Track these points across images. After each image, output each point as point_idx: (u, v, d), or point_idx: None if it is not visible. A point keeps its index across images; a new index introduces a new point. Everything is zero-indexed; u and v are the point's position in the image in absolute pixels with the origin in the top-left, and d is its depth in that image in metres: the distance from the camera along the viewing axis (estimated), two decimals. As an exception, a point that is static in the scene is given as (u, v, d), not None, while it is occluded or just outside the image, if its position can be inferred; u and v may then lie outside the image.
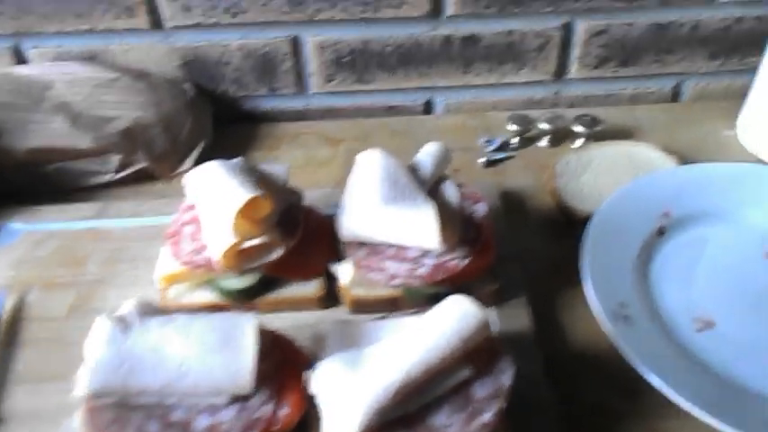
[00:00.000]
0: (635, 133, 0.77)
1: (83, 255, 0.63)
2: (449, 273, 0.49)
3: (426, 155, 0.56)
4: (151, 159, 0.72)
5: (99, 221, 0.66)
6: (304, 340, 0.48)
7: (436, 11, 0.75)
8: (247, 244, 0.49)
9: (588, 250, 0.53)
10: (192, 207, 0.56)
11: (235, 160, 0.56)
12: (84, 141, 0.69)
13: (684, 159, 0.69)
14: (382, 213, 0.50)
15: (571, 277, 0.56)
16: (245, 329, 0.40)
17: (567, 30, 0.76)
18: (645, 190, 0.60)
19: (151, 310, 0.44)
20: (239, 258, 0.50)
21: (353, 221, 0.51)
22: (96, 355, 0.39)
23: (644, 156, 0.69)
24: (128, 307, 0.43)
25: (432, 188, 0.54)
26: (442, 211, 0.49)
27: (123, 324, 0.41)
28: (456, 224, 0.51)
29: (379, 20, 0.75)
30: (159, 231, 0.58)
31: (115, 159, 0.71)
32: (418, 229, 0.48)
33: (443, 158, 0.56)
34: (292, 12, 0.74)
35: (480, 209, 0.53)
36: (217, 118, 0.81)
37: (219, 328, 0.41)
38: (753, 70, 0.79)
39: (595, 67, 0.80)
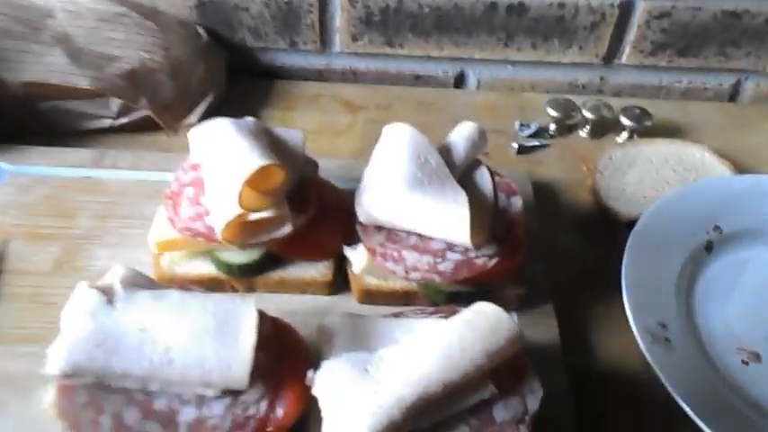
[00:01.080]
0: (686, 132, 0.72)
1: (73, 206, 0.59)
2: (474, 272, 0.46)
3: (460, 136, 0.52)
4: (155, 107, 0.68)
5: (93, 171, 0.63)
6: (305, 328, 0.45)
7: (483, -27, 0.70)
8: (254, 216, 0.46)
9: (629, 261, 0.49)
10: (196, 166, 0.53)
11: (247, 119, 0.52)
12: (83, 80, 0.65)
13: (740, 167, 0.65)
14: (407, 197, 0.46)
15: (606, 287, 0.53)
16: (245, 317, 0.37)
17: (627, 8, 0.71)
18: (695, 198, 0.56)
19: (140, 281, 0.41)
20: (243, 231, 0.47)
21: (374, 202, 0.48)
22: (75, 330, 0.36)
23: (696, 158, 0.64)
24: (115, 275, 0.40)
25: (463, 174, 0.50)
26: (474, 202, 0.45)
27: (108, 296, 0.38)
28: (488, 218, 0.47)
29: (419, -22, 0.70)
30: (158, 189, 0.55)
31: (116, 103, 0.67)
32: (446, 220, 0.45)
33: (479, 142, 0.52)
34: (324, -41, 0.69)
35: (515, 203, 0.49)
36: (230, 69, 0.76)
37: (216, 311, 0.37)
38: (825, 75, 0.74)
39: (650, 54, 0.75)
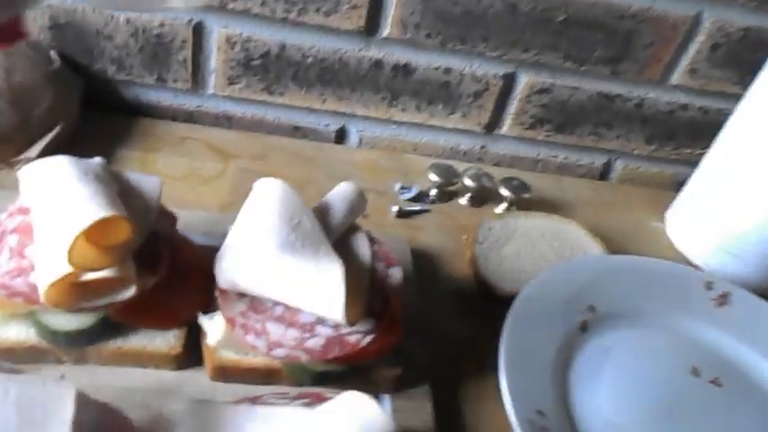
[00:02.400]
0: (562, 206, 0.74)
1: None
2: (346, 350, 0.41)
3: (338, 197, 0.48)
4: (-14, 137, 0.58)
5: None
6: (146, 411, 0.38)
7: (372, 28, 0.68)
8: (88, 276, 0.39)
9: (507, 344, 0.47)
10: (24, 210, 0.45)
11: (94, 160, 0.45)
12: None
13: (612, 245, 0.67)
14: (276, 261, 0.41)
15: (483, 363, 0.50)
16: (58, 409, 0.30)
17: (510, 80, 0.72)
18: (570, 277, 0.56)
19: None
20: (75, 293, 0.39)
21: (237, 265, 0.42)
22: None
23: (571, 235, 0.65)
24: None
25: (339, 239, 0.46)
26: (350, 273, 0.41)
27: None
28: (364, 291, 0.43)
29: (305, 25, 0.67)
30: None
31: (-64, 128, 0.57)
32: (318, 292, 0.40)
33: (359, 205, 0.48)
34: (202, -7, 0.64)
35: (395, 275, 0.46)
36: (86, 101, 0.69)
37: (20, 399, 0.30)
38: (686, 162, 0.79)
39: (529, 127, 0.77)
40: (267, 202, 0.45)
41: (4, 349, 0.42)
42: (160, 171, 0.66)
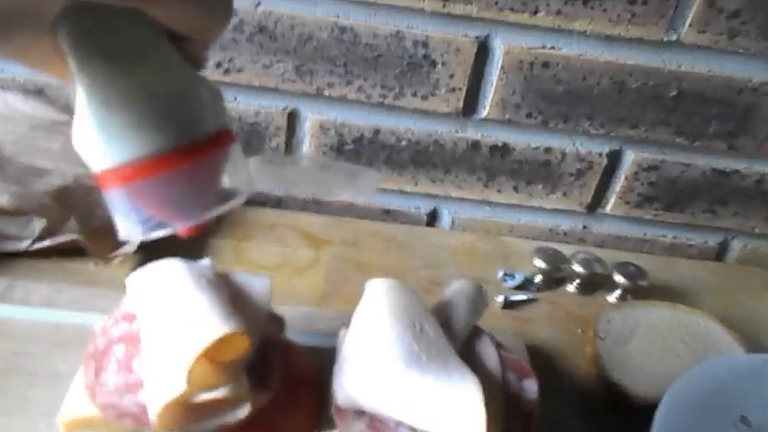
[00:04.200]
0: (680, 293, 0.67)
1: (-37, 355, 0.47)
2: (483, 481, 0.36)
3: (458, 296, 0.44)
4: (86, 231, 0.57)
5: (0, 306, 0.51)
6: None
7: (469, 110, 0.65)
8: (203, 397, 0.35)
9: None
10: (130, 317, 0.42)
11: (204, 263, 0.43)
12: (3, 196, 0.54)
13: (747, 337, 0.60)
14: (402, 378, 0.37)
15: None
16: None
17: (615, 158, 0.68)
18: (715, 382, 0.49)
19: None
20: (187, 415, 0.36)
21: (358, 382, 0.38)
22: None
23: (701, 327, 0.59)
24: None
25: (463, 347, 0.42)
26: (483, 390, 0.36)
27: None
28: (498, 406, 0.38)
29: (400, 109, 0.65)
30: (78, 336, 0.44)
31: (38, 224, 0.56)
32: (452, 413, 0.35)
33: (480, 305, 0.44)
34: (298, 81, 0.63)
35: (529, 388, 0.41)
36: (179, 189, 0.67)
37: None
38: (815, 241, 0.72)
39: (636, 206, 0.71)
40: (384, 306, 0.41)
41: (108, 473, 0.38)
42: (253, 261, 0.63)
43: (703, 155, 0.68)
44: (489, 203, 0.72)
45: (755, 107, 0.64)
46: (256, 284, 0.43)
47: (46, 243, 0.57)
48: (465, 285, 0.44)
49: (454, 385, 0.36)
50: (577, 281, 0.65)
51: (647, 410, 0.46)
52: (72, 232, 0.57)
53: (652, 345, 0.56)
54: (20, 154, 0.59)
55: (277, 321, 0.44)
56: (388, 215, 0.73)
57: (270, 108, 0.66)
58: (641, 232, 0.74)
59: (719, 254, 0.75)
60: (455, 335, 0.41)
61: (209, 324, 0.34)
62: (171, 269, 0.40)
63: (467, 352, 0.42)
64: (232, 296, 0.40)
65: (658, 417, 0.45)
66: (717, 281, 0.70)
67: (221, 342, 0.34)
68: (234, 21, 0.60)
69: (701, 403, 0.47)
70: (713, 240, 0.74)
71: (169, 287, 0.38)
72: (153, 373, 0.36)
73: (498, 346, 0.43)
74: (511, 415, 0.39)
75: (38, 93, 0.65)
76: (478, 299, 0.44)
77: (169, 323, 0.36)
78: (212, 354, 0.35)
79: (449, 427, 0.36)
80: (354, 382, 0.38)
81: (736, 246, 0.75)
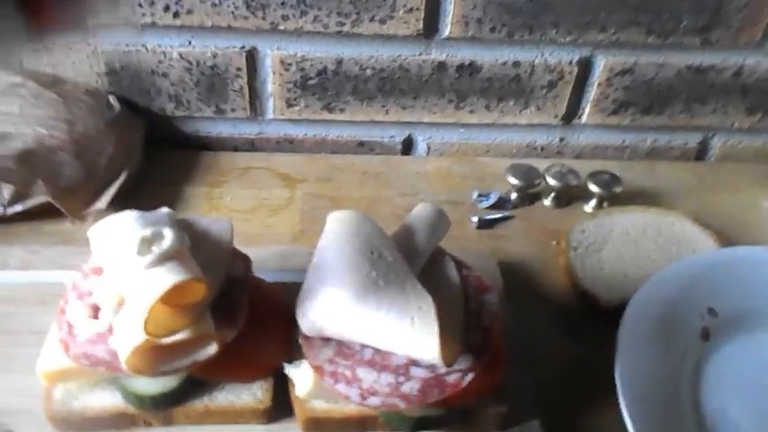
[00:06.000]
0: (658, 196, 0.68)
1: (-55, 322, 0.49)
2: (446, 393, 0.38)
3: (419, 220, 0.45)
4: (55, 192, 0.58)
5: (-23, 273, 0.53)
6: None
7: (430, 31, 0.65)
8: (168, 339, 0.37)
9: (623, 366, 0.43)
10: (98, 270, 0.44)
11: (160, 211, 0.44)
12: (-37, 165, 0.55)
13: (722, 235, 0.61)
14: (360, 303, 0.39)
15: (595, 389, 0.46)
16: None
17: (586, 65, 0.67)
18: (682, 279, 0.51)
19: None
20: (155, 358, 0.38)
21: (319, 311, 0.40)
22: None
23: (675, 228, 0.60)
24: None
25: (424, 268, 0.43)
26: (442, 307, 0.38)
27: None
28: (459, 325, 0.40)
29: (360, 36, 0.65)
30: (54, 292, 0.46)
31: (8, 189, 0.58)
32: (409, 332, 0.37)
33: (441, 228, 0.45)
34: (251, 17, 0.63)
35: (489, 302, 0.42)
36: (148, 141, 0.68)
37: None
38: (796, 131, 0.72)
39: (612, 113, 0.71)
40: (343, 236, 0.42)
41: (91, 417, 0.41)
42: (227, 205, 0.65)
43: (677, 53, 0.67)
44: (463, 125, 0.72)
45: (726, -2, 0.63)
46: (217, 227, 0.44)
47: (18, 208, 0.58)
48: (425, 209, 0.46)
49: (410, 306, 0.38)
50: (552, 194, 0.66)
51: (619, 315, 0.48)
52: (41, 194, 0.58)
53: (624, 250, 0.58)
54: (-21, 120, 0.60)
55: (243, 260, 0.46)
56: (362, 147, 0.74)
57: (227, 49, 0.65)
58: (620, 139, 0.74)
59: (700, 154, 0.76)
60: (416, 258, 0.43)
61: (161, 274, 0.35)
62: (128, 220, 0.41)
63: (428, 274, 0.43)
64: (193, 240, 0.41)
65: (625, 317, 0.47)
66: (695, 181, 0.71)
67: (177, 289, 0.36)
68: (176, -39, 0.59)
69: (669, 301, 0.49)
70: (693, 141, 0.74)
71: (127, 237, 0.40)
72: (118, 321, 0.38)
73: (459, 265, 0.44)
74: (471, 330, 0.40)
75: (-9, 57, 0.65)
76: (438, 222, 0.45)
77: (127, 273, 0.38)
78: (172, 300, 0.36)
79: (407, 347, 0.37)
80: (316, 311, 0.40)
81: (717, 144, 0.75)
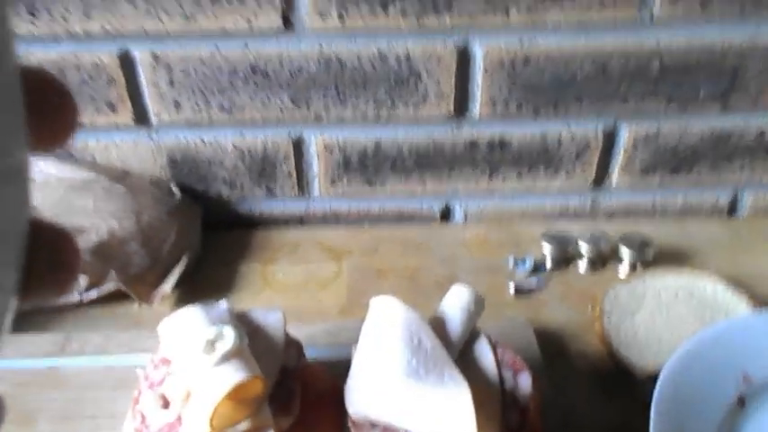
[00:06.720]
0: (691, 256, 0.68)
1: (33, 406, 0.53)
2: (487, 474, 0.40)
3: (454, 306, 0.47)
4: (125, 279, 0.63)
5: (58, 360, 0.57)
6: None
7: (461, 112, 0.68)
8: (230, 431, 0.40)
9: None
10: (167, 361, 0.47)
11: (221, 306, 0.48)
12: (46, 260, 0.60)
13: (755, 295, 0.61)
14: (402, 390, 0.41)
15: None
16: None
17: (611, 134, 0.69)
18: (718, 344, 0.51)
19: None
20: (219, 447, 0.41)
21: (364, 397, 0.42)
22: None
23: (708, 292, 0.60)
24: None
25: (461, 351, 0.45)
26: (477, 389, 0.40)
27: None
28: (496, 406, 0.42)
29: (395, 120, 0.68)
30: (128, 377, 0.49)
31: (84, 277, 0.63)
32: (447, 419, 0.39)
33: (476, 310, 0.47)
34: (296, 110, 0.67)
35: (524, 383, 0.44)
36: (206, 222, 0.73)
37: None
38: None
39: (640, 175, 0.73)
40: (386, 323, 0.45)
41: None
42: (279, 281, 0.68)
43: (698, 118, 0.68)
44: (497, 193, 0.75)
45: (743, 67, 0.64)
46: (271, 319, 0.48)
47: (92, 295, 0.63)
48: (459, 294, 0.48)
49: (448, 393, 0.40)
50: (586, 259, 0.67)
51: (654, 379, 0.49)
52: (113, 282, 0.63)
53: (657, 314, 0.58)
54: (59, 216, 0.65)
55: (294, 347, 0.49)
56: (403, 218, 0.77)
57: (276, 138, 0.70)
58: (651, 199, 0.75)
59: (731, 209, 0.76)
60: (452, 343, 0.45)
61: (225, 373, 0.39)
62: (192, 316, 0.45)
63: (465, 355, 0.45)
64: (251, 334, 0.45)
65: (659, 385, 0.47)
66: (728, 238, 0.71)
67: (239, 386, 0.39)
68: (228, 66, 0.64)
69: (703, 368, 0.50)
70: (724, 196, 0.75)
71: (192, 333, 0.43)
72: (186, 413, 0.42)
73: (495, 345, 0.46)
74: (509, 411, 0.42)
75: (68, 156, 0.71)
76: (473, 305, 0.47)
77: (194, 369, 0.41)
78: (234, 395, 0.39)
79: (446, 428, 0.39)
80: (361, 397, 0.42)
81: (748, 198, 0.75)
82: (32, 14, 0.61)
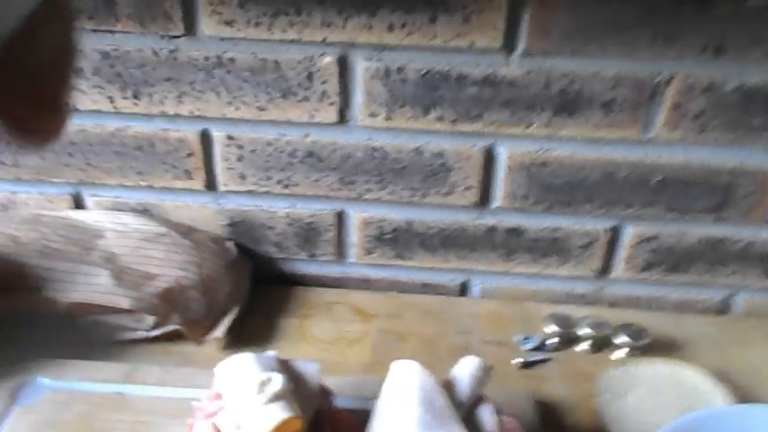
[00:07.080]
0: (682, 348, 0.75)
1: (103, 425, 0.62)
2: None
3: (464, 373, 0.55)
4: (185, 323, 0.73)
5: (124, 386, 0.66)
6: None
7: (483, 202, 0.77)
8: (269, 464, 0.48)
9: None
10: (218, 396, 0.56)
11: (269, 355, 0.56)
12: (124, 301, 0.70)
13: (741, 389, 0.67)
14: (415, 442, 0.49)
15: None
16: None
17: (616, 232, 0.78)
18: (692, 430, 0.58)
19: None
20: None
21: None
22: None
23: (690, 382, 0.67)
24: None
25: (468, 411, 0.53)
26: (478, 447, 0.48)
27: None
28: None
29: (426, 204, 0.78)
30: (183, 407, 0.58)
31: (151, 318, 0.72)
32: (451, 468, 0.47)
33: (483, 379, 0.55)
34: (343, 189, 0.77)
35: (519, 448, 0.52)
36: (254, 276, 0.83)
37: None
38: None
39: (641, 270, 0.80)
40: (404, 383, 0.53)
41: None
42: (314, 336, 0.77)
43: (695, 226, 0.76)
44: (511, 274, 0.83)
45: (734, 186, 0.73)
46: (309, 368, 0.56)
47: (156, 332, 0.73)
48: (470, 363, 0.56)
49: (453, 446, 0.48)
50: (587, 342, 0.75)
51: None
52: (174, 323, 0.72)
53: (648, 398, 0.65)
54: (133, 263, 0.75)
55: (327, 394, 0.57)
56: (426, 287, 0.85)
57: (322, 211, 0.80)
58: (650, 292, 0.83)
59: (724, 308, 0.83)
60: (460, 404, 0.53)
61: (273, 411, 0.47)
62: (245, 362, 0.54)
63: (471, 417, 0.53)
64: (293, 379, 0.53)
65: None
66: (719, 334, 0.78)
67: (283, 423, 0.47)
68: (289, 149, 0.75)
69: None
70: (718, 296, 0.82)
71: (244, 376, 0.52)
72: (235, 443, 0.50)
73: (498, 412, 0.54)
74: (502, 468, 0.50)
75: (143, 211, 0.82)
76: (481, 374, 0.55)
77: (246, 405, 0.50)
78: (277, 430, 0.48)
79: (450, 479, 0.47)
80: (381, 445, 0.50)
81: (741, 299, 0.82)
82: (136, 97, 0.73)
